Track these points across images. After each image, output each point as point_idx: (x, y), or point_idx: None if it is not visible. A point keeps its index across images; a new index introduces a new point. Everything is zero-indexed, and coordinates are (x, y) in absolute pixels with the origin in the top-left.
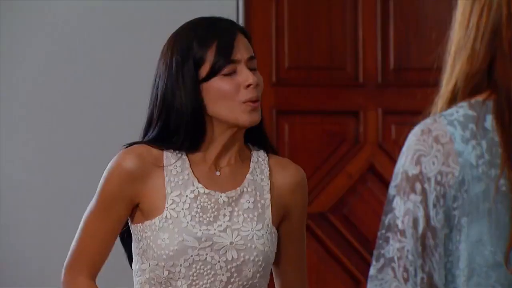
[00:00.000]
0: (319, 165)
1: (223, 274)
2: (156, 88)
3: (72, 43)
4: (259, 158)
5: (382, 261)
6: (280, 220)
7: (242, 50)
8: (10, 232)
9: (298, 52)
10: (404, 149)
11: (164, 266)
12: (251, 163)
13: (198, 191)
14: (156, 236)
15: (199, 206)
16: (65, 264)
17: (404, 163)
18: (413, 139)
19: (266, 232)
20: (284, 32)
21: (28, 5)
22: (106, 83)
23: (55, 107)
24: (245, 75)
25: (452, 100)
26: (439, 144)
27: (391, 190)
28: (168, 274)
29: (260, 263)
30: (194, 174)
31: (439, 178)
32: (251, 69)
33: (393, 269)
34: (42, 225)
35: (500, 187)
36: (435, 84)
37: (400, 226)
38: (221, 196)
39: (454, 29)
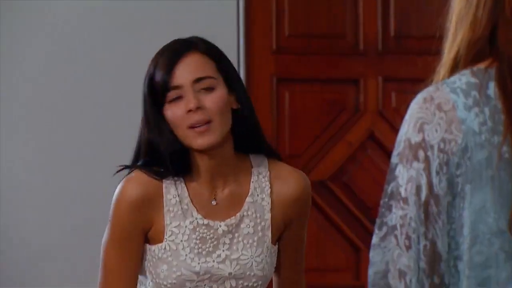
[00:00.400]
0: (319, 134)
1: None
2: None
3: (72, 43)
4: (259, 175)
5: (384, 229)
6: (281, 232)
7: (185, 73)
8: (10, 232)
9: (298, 20)
10: (407, 117)
11: None
12: (251, 183)
13: (197, 222)
14: (155, 264)
15: (198, 237)
16: None
17: (407, 131)
18: (416, 107)
19: (266, 256)
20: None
21: (28, 5)
22: (106, 83)
23: (55, 107)
24: (185, 100)
25: (454, 68)
26: (441, 112)
27: (394, 159)
28: None
29: (258, 286)
30: (193, 203)
31: (442, 145)
32: (204, 90)
33: (395, 237)
34: (42, 225)
35: (503, 154)
36: (436, 52)
37: (403, 193)
38: (220, 226)
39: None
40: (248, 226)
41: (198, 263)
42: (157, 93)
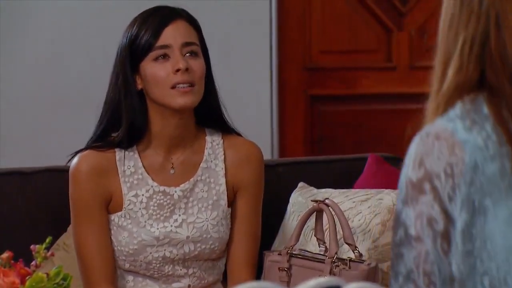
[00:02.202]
0: None
1: (181, 264)
2: (110, 83)
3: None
4: (213, 142)
5: (400, 279)
6: (234, 197)
7: (176, 35)
8: None
9: None
10: (406, 158)
11: (125, 260)
12: (205, 149)
13: (153, 189)
14: (116, 232)
15: (155, 204)
16: (83, 285)
17: (407, 171)
18: (413, 146)
19: (221, 218)
20: None
21: (28, 5)
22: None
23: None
24: (174, 60)
25: (445, 106)
26: (441, 140)
27: (398, 205)
28: (130, 266)
29: (216, 248)
30: (147, 172)
31: (448, 170)
32: (189, 55)
33: (414, 281)
34: None
35: None
36: None
37: (413, 233)
38: (175, 191)
39: (441, 31)
40: (202, 190)
41: (157, 228)
42: (140, 50)
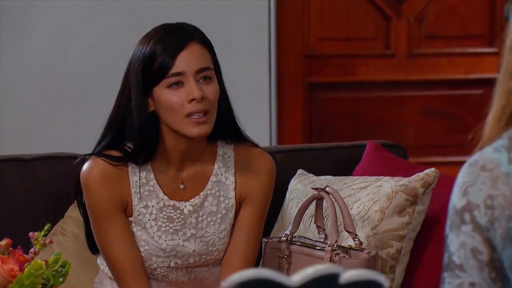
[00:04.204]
0: None
1: (185, 273)
2: (120, 94)
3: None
4: (224, 155)
5: None
6: (240, 206)
7: (190, 62)
8: None
9: None
10: (454, 185)
11: None
12: (215, 162)
13: (163, 202)
14: None
15: (165, 217)
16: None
17: (453, 198)
18: (461, 173)
19: (228, 232)
20: None
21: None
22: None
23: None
24: (189, 89)
25: (503, 120)
26: (486, 171)
27: (446, 229)
28: None
29: (219, 257)
30: (159, 184)
31: (489, 202)
32: (204, 80)
33: None
34: None
35: None
36: None
37: (457, 261)
38: (185, 206)
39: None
40: (211, 204)
41: (165, 241)
42: (153, 75)
